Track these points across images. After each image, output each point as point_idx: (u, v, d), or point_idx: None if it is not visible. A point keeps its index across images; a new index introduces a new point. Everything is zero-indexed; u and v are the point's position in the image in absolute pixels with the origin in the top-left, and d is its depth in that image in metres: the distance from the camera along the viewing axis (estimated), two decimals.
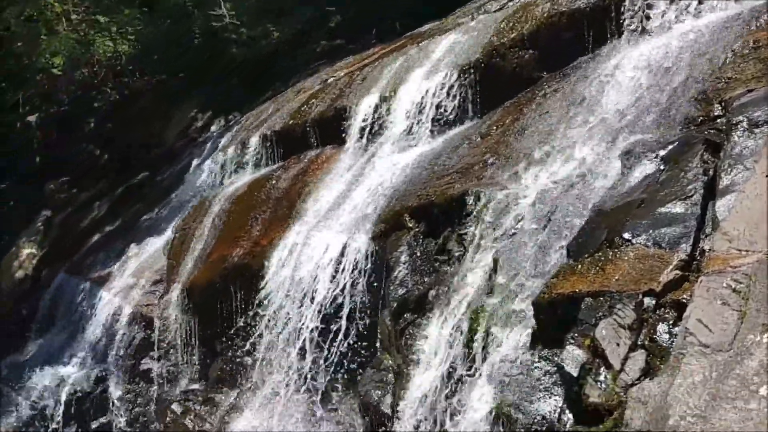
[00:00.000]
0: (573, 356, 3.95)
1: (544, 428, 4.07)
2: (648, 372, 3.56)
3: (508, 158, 6.08)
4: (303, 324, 6.85)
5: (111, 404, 8.32)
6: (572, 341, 4.00)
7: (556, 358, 4.14)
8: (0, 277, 10.71)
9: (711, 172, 4.23)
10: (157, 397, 8.17)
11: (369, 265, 6.54)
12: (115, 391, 8.38)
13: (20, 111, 12.92)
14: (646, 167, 4.74)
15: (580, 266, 4.30)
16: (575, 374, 3.87)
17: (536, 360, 4.33)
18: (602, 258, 4.21)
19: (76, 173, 12.27)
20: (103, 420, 8.25)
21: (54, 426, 8.22)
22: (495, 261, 5.24)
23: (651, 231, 4.11)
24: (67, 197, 11.91)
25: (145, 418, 8.20)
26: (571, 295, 4.17)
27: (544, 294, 4.41)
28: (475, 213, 5.79)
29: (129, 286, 9.12)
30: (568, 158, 5.56)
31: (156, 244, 9.70)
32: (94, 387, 8.39)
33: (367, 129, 7.85)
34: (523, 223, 5.31)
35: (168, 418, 7.72)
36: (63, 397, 8.36)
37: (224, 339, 7.74)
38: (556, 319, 4.23)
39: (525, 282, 4.88)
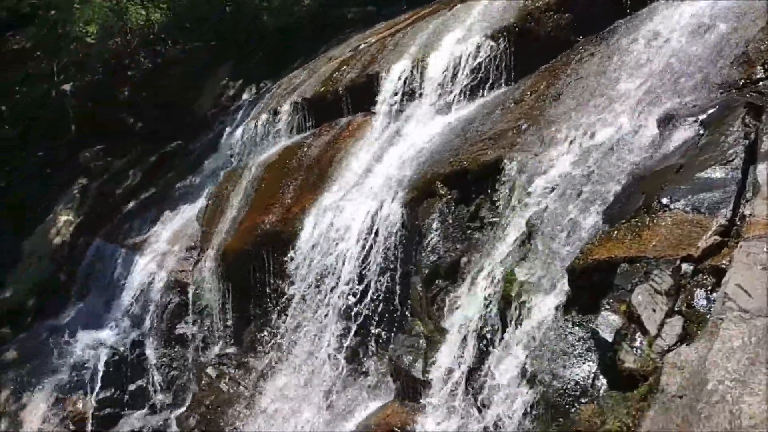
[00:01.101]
0: (608, 322, 3.92)
1: (577, 393, 4.07)
2: (685, 338, 3.53)
3: (543, 124, 6.00)
4: (334, 290, 6.91)
5: (147, 367, 8.50)
6: (608, 307, 3.98)
7: (590, 324, 4.12)
8: (39, 244, 10.93)
9: (752, 136, 4.14)
10: (193, 361, 8.34)
11: (400, 232, 6.55)
12: (151, 355, 8.55)
13: (55, 80, 13.03)
14: (685, 132, 4.65)
15: (616, 232, 4.26)
16: (610, 340, 3.85)
17: (570, 326, 4.32)
18: (639, 223, 4.15)
19: (110, 141, 12.38)
20: (140, 383, 8.44)
21: (93, 388, 8.40)
22: (529, 227, 5.21)
23: (690, 196, 4.04)
24: (102, 165, 12.03)
25: (181, 382, 8.38)
26: (607, 260, 4.13)
27: (579, 260, 4.37)
28: (508, 179, 5.75)
29: (163, 252, 9.25)
30: (605, 123, 5.47)
31: (190, 211, 9.80)
32: (131, 351, 8.57)
33: (399, 95, 7.79)
34: (557, 189, 5.25)
35: (203, 382, 7.88)
36: (101, 361, 8.55)
37: (257, 304, 7.85)
38: (591, 285, 4.21)
39: (560, 248, 4.85)
